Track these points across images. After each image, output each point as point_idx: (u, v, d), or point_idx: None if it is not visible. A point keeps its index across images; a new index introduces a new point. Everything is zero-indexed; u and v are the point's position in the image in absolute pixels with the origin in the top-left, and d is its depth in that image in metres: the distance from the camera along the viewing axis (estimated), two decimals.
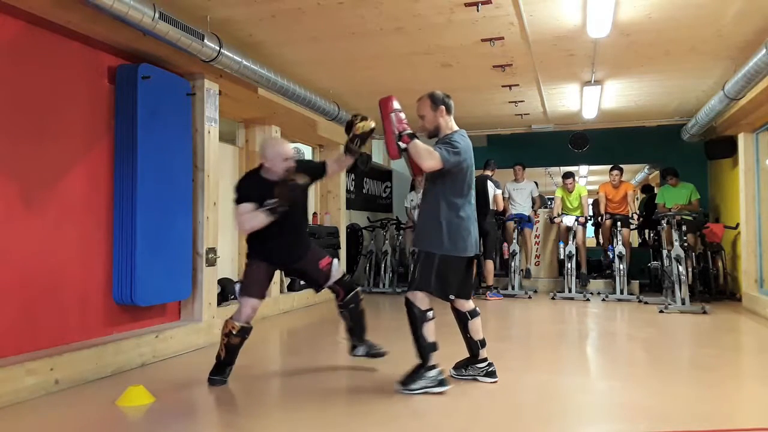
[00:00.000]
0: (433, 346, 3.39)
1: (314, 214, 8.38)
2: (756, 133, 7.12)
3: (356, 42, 5.19)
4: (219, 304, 5.44)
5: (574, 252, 8.05)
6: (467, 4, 4.34)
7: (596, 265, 9.07)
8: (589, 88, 6.76)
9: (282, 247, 3.70)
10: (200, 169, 4.90)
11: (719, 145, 8.05)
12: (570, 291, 7.88)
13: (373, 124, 3.51)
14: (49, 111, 3.78)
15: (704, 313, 6.36)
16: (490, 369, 3.60)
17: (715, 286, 7.71)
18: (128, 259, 4.15)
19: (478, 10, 4.39)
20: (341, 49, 5.42)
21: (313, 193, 8.63)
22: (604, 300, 7.67)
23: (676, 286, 6.69)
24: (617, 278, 7.73)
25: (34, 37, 3.68)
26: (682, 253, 6.73)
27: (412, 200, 9.64)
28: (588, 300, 7.68)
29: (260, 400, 3.47)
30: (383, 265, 8.80)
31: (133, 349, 4.08)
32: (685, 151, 8.98)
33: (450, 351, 3.75)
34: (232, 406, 3.38)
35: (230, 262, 6.49)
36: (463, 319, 3.62)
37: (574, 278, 7.95)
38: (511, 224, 8.43)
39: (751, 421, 3.06)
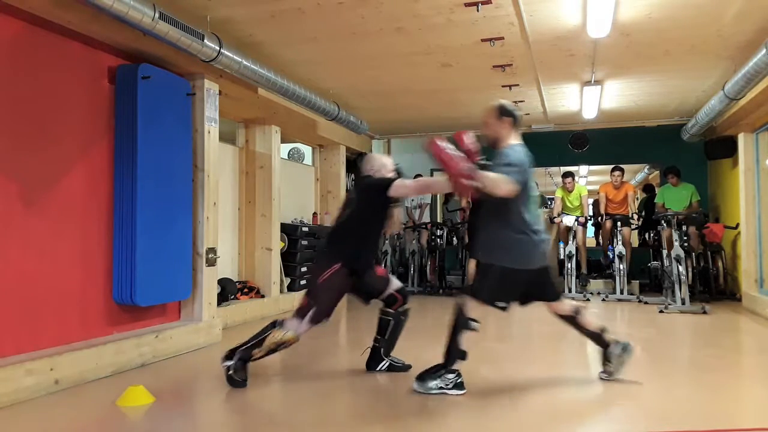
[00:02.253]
0: (463, 355, 3.37)
1: (314, 214, 8.39)
2: (756, 133, 7.12)
3: (356, 42, 5.19)
4: (219, 304, 5.45)
5: (574, 252, 8.05)
6: (467, 4, 4.34)
7: (596, 265, 9.07)
8: (589, 88, 6.76)
9: (369, 253, 3.79)
10: (200, 169, 4.90)
11: (719, 145, 8.04)
12: (570, 291, 7.88)
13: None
14: (49, 111, 3.78)
15: (704, 313, 6.36)
16: (626, 344, 3.57)
17: (715, 286, 7.71)
18: (128, 259, 4.15)
19: (478, 10, 4.39)
20: (341, 49, 5.42)
21: (313, 193, 8.64)
22: (604, 300, 7.67)
23: (676, 286, 6.69)
24: (617, 278, 7.73)
25: (34, 37, 3.68)
26: (682, 253, 6.73)
27: (412, 200, 9.64)
28: (588, 300, 7.68)
29: (260, 400, 3.47)
30: (383, 265, 8.80)
31: (133, 349, 4.08)
32: (685, 151, 8.98)
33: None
34: (232, 406, 3.38)
35: (230, 262, 6.49)
36: (570, 320, 3.60)
37: (574, 278, 7.96)
38: None
39: (751, 421, 3.06)
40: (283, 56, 5.57)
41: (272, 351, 3.56)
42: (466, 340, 3.36)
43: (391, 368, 3.91)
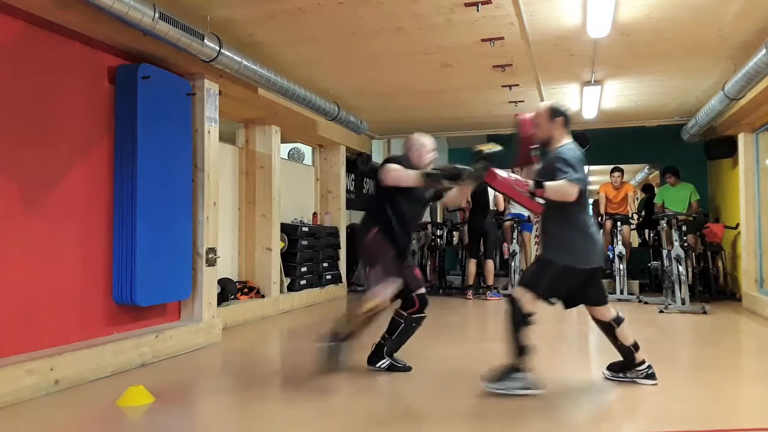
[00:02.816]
0: (528, 349, 3.33)
1: (314, 214, 8.39)
2: (756, 133, 7.12)
3: (356, 42, 5.19)
4: (219, 304, 5.45)
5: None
6: (467, 4, 4.34)
7: None
8: (589, 88, 6.76)
9: (404, 242, 3.78)
10: (200, 169, 4.90)
11: (719, 145, 8.04)
12: None
13: (499, 147, 3.52)
14: (49, 111, 3.78)
15: (704, 313, 6.36)
16: (649, 371, 3.52)
17: (715, 286, 7.71)
18: (128, 259, 4.15)
19: (478, 10, 4.38)
20: (341, 49, 5.42)
21: (313, 193, 8.64)
22: None
23: (676, 286, 6.69)
24: (617, 278, 7.73)
25: (34, 37, 3.68)
26: (682, 253, 6.73)
27: None
28: None
29: (260, 400, 3.47)
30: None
31: (133, 349, 4.08)
32: (685, 151, 8.98)
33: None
34: (232, 406, 3.38)
35: (230, 262, 6.49)
36: (608, 328, 3.54)
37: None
38: (509, 223, 8.43)
39: (751, 421, 3.06)
40: (283, 56, 5.57)
41: (365, 323, 3.65)
42: (528, 335, 3.32)
43: (391, 368, 3.90)
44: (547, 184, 3.22)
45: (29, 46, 3.66)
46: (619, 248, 7.82)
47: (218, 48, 4.57)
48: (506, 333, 3.35)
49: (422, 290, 3.93)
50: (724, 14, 4.60)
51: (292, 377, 4.01)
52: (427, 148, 3.84)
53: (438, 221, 9.90)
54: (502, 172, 3.40)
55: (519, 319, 3.32)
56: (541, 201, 3.37)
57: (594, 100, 7.23)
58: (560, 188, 3.19)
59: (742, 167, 7.23)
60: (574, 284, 3.39)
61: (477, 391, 3.42)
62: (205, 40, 4.40)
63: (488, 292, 7.91)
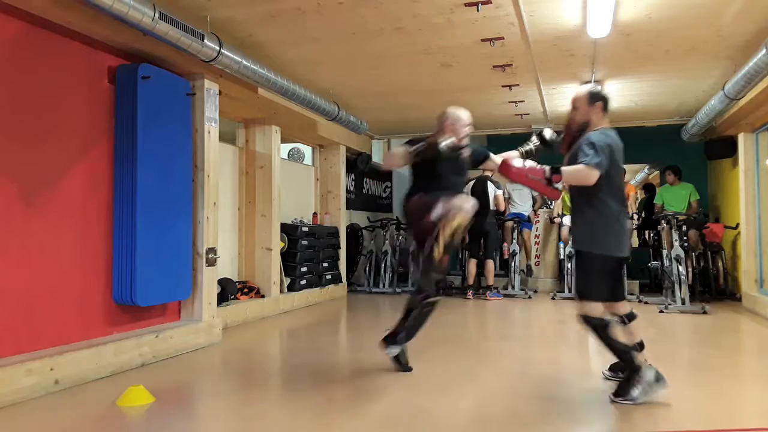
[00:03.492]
0: (633, 347, 3.26)
1: (314, 214, 8.39)
2: (756, 133, 7.12)
3: (356, 42, 5.19)
4: (219, 304, 5.45)
5: (574, 252, 8.04)
6: (467, 4, 4.34)
7: None
8: None
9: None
10: (200, 169, 4.90)
11: (719, 145, 8.04)
12: (570, 291, 7.87)
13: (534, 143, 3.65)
14: (49, 111, 3.78)
15: (704, 313, 6.36)
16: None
17: (715, 286, 7.70)
18: (128, 259, 4.15)
19: (478, 10, 4.38)
20: (341, 49, 5.42)
21: (313, 193, 8.64)
22: None
23: (676, 286, 6.69)
24: None
25: (34, 37, 3.68)
26: (682, 253, 6.72)
27: None
28: None
29: (260, 400, 3.47)
30: (383, 265, 8.80)
31: (133, 349, 4.08)
32: (685, 151, 8.98)
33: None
34: (232, 406, 3.38)
35: (230, 262, 6.49)
36: (621, 323, 3.46)
37: (574, 278, 7.95)
38: (509, 224, 8.43)
39: (751, 422, 3.06)
40: (283, 56, 5.57)
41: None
42: (619, 335, 3.25)
43: (396, 360, 3.86)
44: (564, 168, 3.16)
45: (29, 46, 3.66)
46: None
47: (218, 48, 4.57)
48: (605, 347, 3.28)
49: (441, 276, 3.89)
50: (724, 14, 4.60)
51: (292, 377, 4.01)
52: (464, 121, 3.79)
53: None
54: (517, 162, 3.31)
55: (601, 330, 3.24)
56: (559, 186, 3.24)
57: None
58: (578, 172, 3.13)
59: (742, 167, 7.23)
60: (613, 274, 3.32)
61: (477, 390, 3.42)
62: (205, 40, 4.40)
63: (488, 292, 7.91)
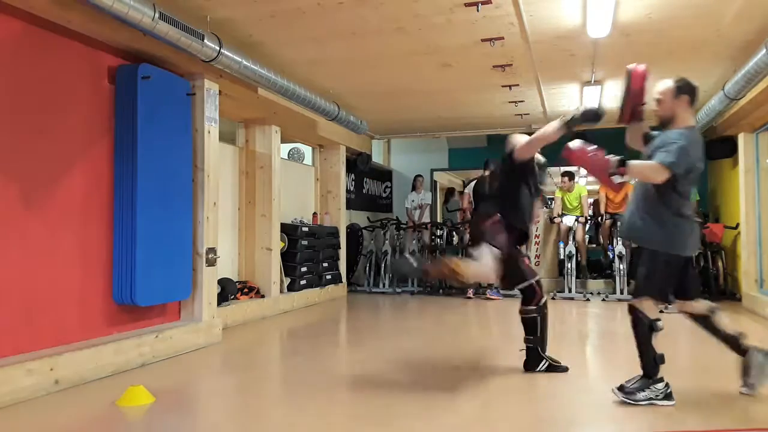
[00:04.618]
0: (662, 358, 3.22)
1: (314, 214, 8.39)
2: (756, 133, 7.12)
3: (356, 42, 5.19)
4: (219, 304, 5.45)
5: (574, 252, 8.06)
6: (467, 4, 4.34)
7: (596, 265, 9.07)
8: (589, 88, 6.76)
9: (521, 231, 3.82)
10: (200, 169, 4.90)
11: (719, 145, 8.04)
12: (570, 291, 7.88)
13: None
14: (49, 111, 3.78)
15: None
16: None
17: (715, 286, 7.70)
18: (128, 259, 4.15)
19: (478, 10, 4.38)
20: (341, 49, 5.42)
21: (313, 193, 8.64)
22: (604, 300, 7.67)
23: None
24: (617, 278, 7.73)
25: (34, 37, 3.68)
26: None
27: (412, 200, 9.64)
28: (588, 300, 7.68)
29: (260, 400, 3.47)
30: (383, 265, 8.80)
31: (133, 349, 4.08)
32: None
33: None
34: (231, 406, 3.38)
35: (230, 262, 6.49)
36: (705, 321, 3.42)
37: (574, 278, 7.96)
38: None
39: (751, 421, 3.06)
40: (283, 56, 5.57)
41: (443, 274, 3.74)
42: (657, 343, 3.21)
43: (550, 368, 3.84)
44: (632, 162, 3.03)
45: (29, 46, 3.66)
46: (619, 248, 7.82)
47: (218, 48, 4.57)
48: (637, 345, 3.24)
49: (537, 277, 3.96)
50: (724, 14, 4.60)
51: (292, 377, 4.01)
52: (517, 140, 3.83)
53: (438, 221, 9.90)
54: (580, 143, 3.19)
55: (646, 329, 3.20)
56: (622, 180, 3.18)
57: (594, 100, 7.23)
58: (647, 168, 3.02)
59: (742, 167, 7.23)
60: (678, 273, 3.23)
61: (477, 390, 3.42)
62: (205, 40, 4.40)
63: (488, 290, 7.91)
